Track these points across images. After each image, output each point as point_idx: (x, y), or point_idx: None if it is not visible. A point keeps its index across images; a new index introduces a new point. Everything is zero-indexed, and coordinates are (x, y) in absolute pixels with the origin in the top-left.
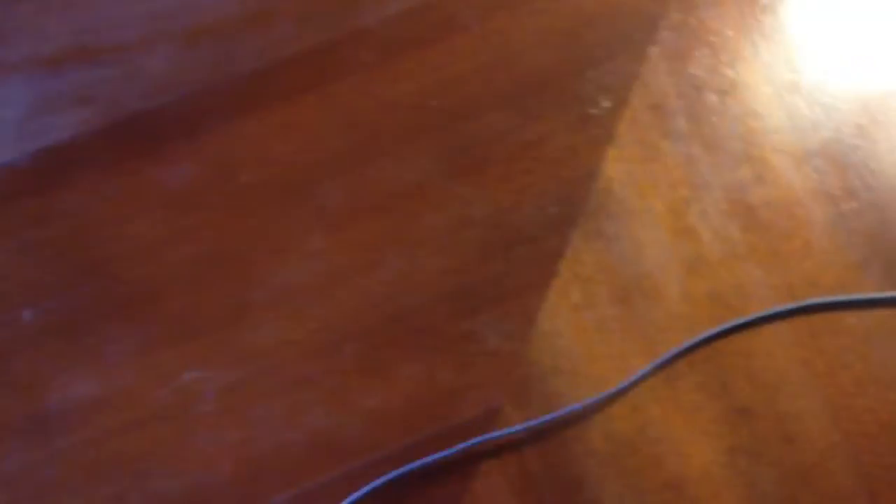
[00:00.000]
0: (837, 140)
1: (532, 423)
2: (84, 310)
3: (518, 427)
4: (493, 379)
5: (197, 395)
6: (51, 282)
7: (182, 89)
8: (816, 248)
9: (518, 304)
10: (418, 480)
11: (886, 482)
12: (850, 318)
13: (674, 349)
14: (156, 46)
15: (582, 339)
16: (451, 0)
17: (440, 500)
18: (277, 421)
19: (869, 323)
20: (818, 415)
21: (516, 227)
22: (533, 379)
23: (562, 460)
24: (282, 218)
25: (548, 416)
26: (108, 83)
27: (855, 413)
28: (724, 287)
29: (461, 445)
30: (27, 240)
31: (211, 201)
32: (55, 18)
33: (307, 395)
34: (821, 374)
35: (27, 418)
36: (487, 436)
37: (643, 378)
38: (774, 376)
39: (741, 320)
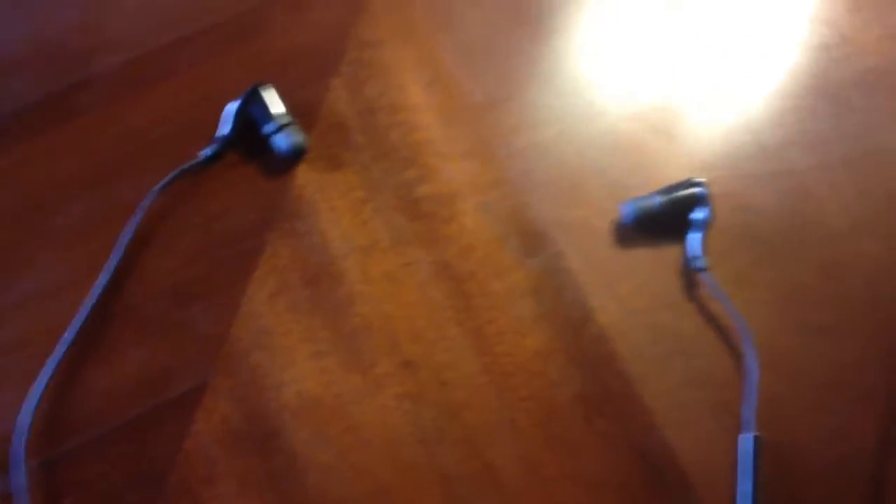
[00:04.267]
0: (485, 142)
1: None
2: None
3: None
4: (204, 357)
5: None
6: None
7: None
8: (468, 229)
9: (224, 295)
10: (138, 444)
11: (522, 410)
12: (495, 284)
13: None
14: None
15: (278, 319)
16: (163, 50)
17: (159, 459)
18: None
19: (509, 286)
20: (469, 362)
21: (222, 231)
22: (236, 354)
23: (260, 418)
24: (21, 237)
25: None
26: None
27: (497, 358)
28: (395, 267)
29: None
30: None
31: None
32: None
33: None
34: (470, 330)
35: None
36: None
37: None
38: (433, 333)
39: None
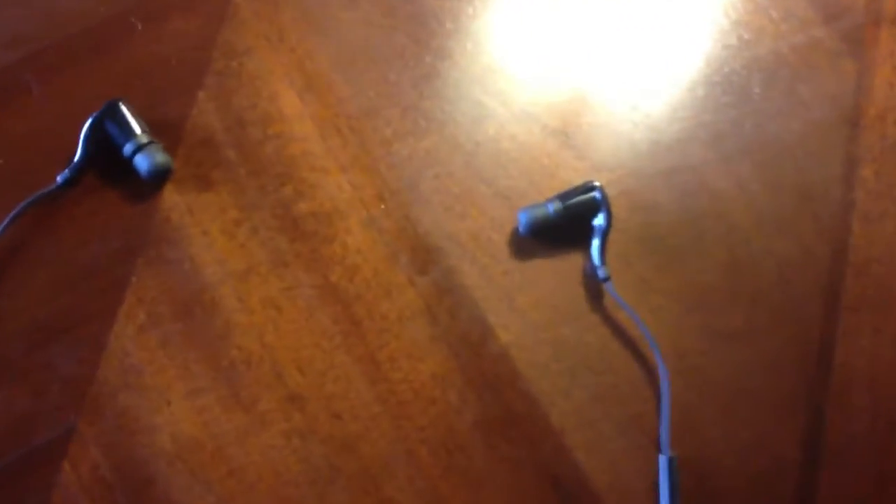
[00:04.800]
0: (367, 152)
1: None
2: None
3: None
4: (68, 401)
5: None
6: None
7: None
8: (353, 247)
9: (88, 332)
10: (1, 499)
11: (421, 440)
12: (385, 306)
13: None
14: None
15: (148, 356)
16: (9, 69)
17: None
18: None
19: (400, 307)
20: (361, 391)
21: (83, 262)
22: (104, 396)
23: (133, 465)
24: None
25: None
26: None
27: (392, 385)
28: (275, 293)
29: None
30: None
31: None
32: None
33: None
34: (361, 357)
35: None
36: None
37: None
38: (321, 363)
39: None
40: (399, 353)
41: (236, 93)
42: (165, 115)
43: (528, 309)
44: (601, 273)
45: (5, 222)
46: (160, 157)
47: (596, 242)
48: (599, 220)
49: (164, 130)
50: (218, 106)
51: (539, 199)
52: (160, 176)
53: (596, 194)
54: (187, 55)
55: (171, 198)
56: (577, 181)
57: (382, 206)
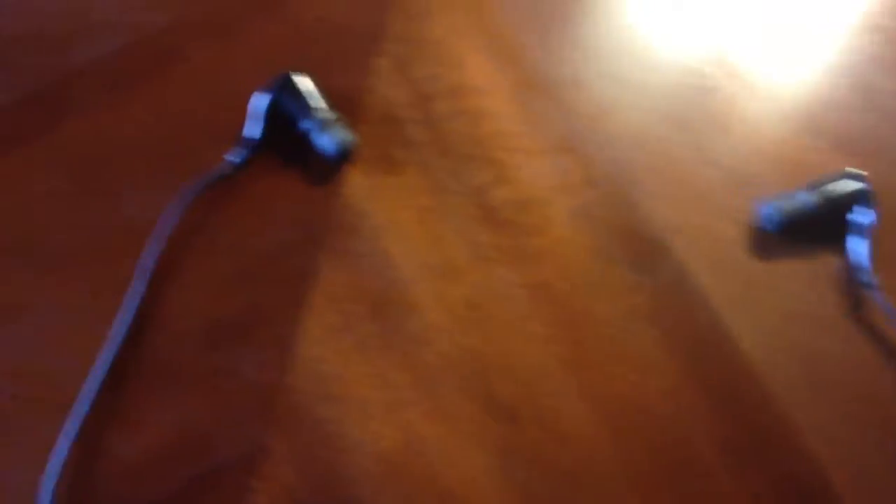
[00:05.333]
0: (571, 130)
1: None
2: None
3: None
4: (255, 413)
5: None
6: None
7: None
8: (560, 241)
9: (271, 333)
10: None
11: (651, 465)
12: (604, 308)
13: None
14: None
15: (344, 361)
16: (165, 33)
17: None
18: None
19: (621, 310)
20: (579, 408)
21: (258, 252)
22: (300, 408)
23: (335, 486)
24: (8, 273)
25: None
26: None
27: (615, 399)
28: (477, 292)
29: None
30: None
31: None
32: None
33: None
34: (578, 366)
35: None
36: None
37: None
38: (531, 373)
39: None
40: (623, 364)
41: (417, 61)
42: (341, 87)
43: (775, 316)
44: (866, 277)
45: (178, 208)
46: (345, 135)
47: (860, 242)
48: (863, 216)
49: (339, 104)
50: (398, 77)
51: (781, 186)
52: (344, 156)
53: (860, 185)
54: (362, 18)
55: (354, 181)
56: (825, 169)
57: (594, 193)
